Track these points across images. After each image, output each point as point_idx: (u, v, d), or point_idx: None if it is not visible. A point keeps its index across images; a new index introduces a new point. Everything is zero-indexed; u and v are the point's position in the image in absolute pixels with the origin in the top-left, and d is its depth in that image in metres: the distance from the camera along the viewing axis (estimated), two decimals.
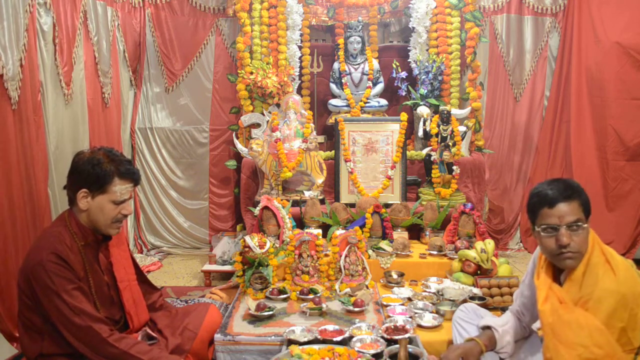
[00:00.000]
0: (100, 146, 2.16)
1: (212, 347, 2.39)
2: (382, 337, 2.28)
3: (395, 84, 4.66)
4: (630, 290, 1.68)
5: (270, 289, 2.87)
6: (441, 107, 4.22)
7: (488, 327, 2.09)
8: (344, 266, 3.07)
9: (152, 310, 2.40)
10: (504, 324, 2.09)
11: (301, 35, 4.75)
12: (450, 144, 4.01)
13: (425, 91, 4.53)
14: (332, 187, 4.20)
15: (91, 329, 1.92)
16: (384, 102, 4.71)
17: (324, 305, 2.66)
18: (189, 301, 2.80)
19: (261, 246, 2.96)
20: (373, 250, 3.39)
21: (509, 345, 2.07)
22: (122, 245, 2.27)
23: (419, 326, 2.53)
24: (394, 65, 4.68)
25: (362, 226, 3.48)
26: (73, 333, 1.93)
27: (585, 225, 1.78)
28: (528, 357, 2.06)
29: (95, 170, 2.01)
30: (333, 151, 4.23)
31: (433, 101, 4.52)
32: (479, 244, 3.14)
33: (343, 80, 4.72)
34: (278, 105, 4.41)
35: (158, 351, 2.05)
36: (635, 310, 1.67)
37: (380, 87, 4.78)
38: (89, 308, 1.96)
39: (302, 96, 4.76)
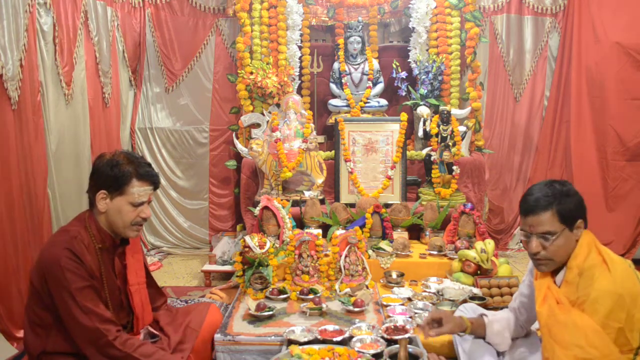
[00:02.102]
0: (122, 149, 2.15)
1: (213, 347, 2.39)
2: (382, 337, 2.28)
3: (395, 84, 4.66)
4: (627, 291, 1.67)
5: (270, 289, 2.87)
6: (441, 107, 4.22)
7: (481, 315, 2.16)
8: (344, 266, 3.07)
9: (153, 310, 2.40)
10: (496, 314, 2.14)
11: (301, 35, 4.75)
12: (450, 144, 4.01)
13: (425, 91, 4.53)
14: (332, 187, 4.20)
15: (97, 330, 1.92)
16: (384, 102, 4.71)
17: (324, 305, 2.66)
18: (189, 301, 2.80)
19: (261, 246, 2.96)
20: (373, 250, 3.39)
21: (499, 335, 2.09)
22: (137, 249, 2.28)
23: (419, 326, 2.53)
24: (394, 65, 4.69)
25: (362, 226, 3.48)
26: (78, 332, 1.93)
27: (555, 236, 1.79)
28: (528, 356, 2.06)
29: (114, 171, 2.02)
30: (333, 151, 4.23)
31: (433, 101, 4.52)
32: (479, 244, 3.15)
33: (343, 80, 4.72)
34: (278, 105, 4.41)
35: (162, 353, 2.05)
36: (633, 311, 1.66)
37: (380, 87, 4.78)
38: (98, 308, 1.96)
39: (302, 96, 4.76)
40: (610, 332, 1.66)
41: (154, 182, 2.12)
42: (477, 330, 2.12)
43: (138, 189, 2.05)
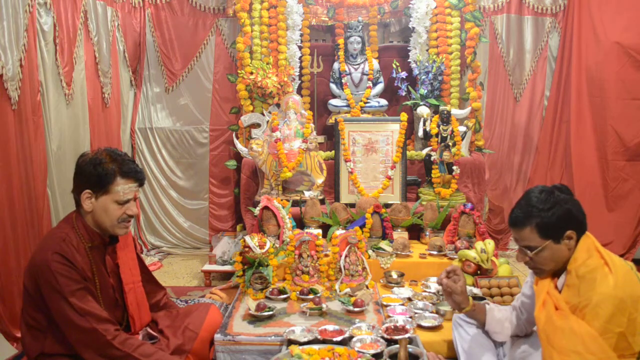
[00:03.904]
0: (105, 147, 2.14)
1: (213, 347, 2.39)
2: (382, 337, 2.29)
3: (395, 84, 4.66)
4: (628, 294, 1.66)
5: (270, 289, 2.88)
6: (441, 107, 4.22)
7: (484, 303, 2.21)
8: (344, 266, 3.07)
9: (155, 309, 2.40)
10: (498, 306, 2.17)
11: (301, 35, 4.75)
12: (450, 144, 4.01)
13: (425, 91, 4.53)
14: (332, 187, 4.20)
15: (96, 332, 1.91)
16: (384, 102, 4.71)
17: (324, 305, 2.67)
18: (189, 301, 2.80)
19: (261, 246, 2.96)
20: (373, 250, 3.39)
21: (499, 323, 2.11)
22: (128, 247, 2.27)
23: (419, 326, 2.53)
24: (394, 65, 4.68)
25: (362, 226, 3.48)
26: (76, 336, 1.93)
27: (537, 250, 1.81)
28: (528, 356, 2.05)
29: (97, 170, 2.01)
30: (333, 151, 4.23)
31: (433, 101, 4.52)
32: (479, 244, 3.15)
33: (343, 80, 4.72)
34: (278, 105, 4.41)
35: (162, 353, 2.05)
36: (634, 315, 1.65)
37: (380, 87, 4.78)
38: (94, 308, 1.95)
39: (302, 96, 4.76)
40: (610, 337, 1.65)
41: (139, 179, 2.11)
42: (478, 315, 2.13)
43: (123, 187, 2.04)
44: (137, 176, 2.10)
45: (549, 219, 1.79)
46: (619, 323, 1.65)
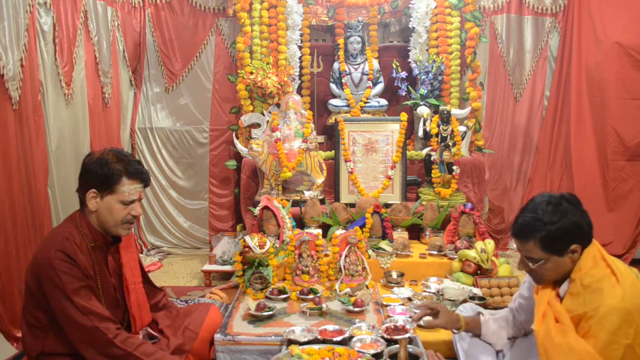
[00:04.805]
0: (111, 147, 2.15)
1: (213, 347, 2.39)
2: (382, 337, 2.28)
3: (395, 84, 4.66)
4: (636, 306, 1.62)
5: (270, 289, 2.88)
6: (441, 107, 4.22)
7: (478, 313, 2.18)
8: (344, 266, 3.07)
9: (155, 309, 2.40)
10: (494, 314, 2.14)
11: (301, 35, 4.75)
12: (450, 144, 4.01)
13: (425, 91, 4.53)
14: (332, 187, 4.20)
15: (97, 330, 1.92)
16: (384, 102, 4.71)
17: (324, 305, 2.67)
18: (189, 301, 2.80)
19: (261, 246, 2.96)
20: (373, 250, 3.39)
21: (495, 334, 2.10)
22: (130, 248, 2.27)
23: (419, 326, 2.53)
24: (394, 65, 4.69)
25: (362, 226, 3.48)
26: (77, 334, 1.93)
27: (540, 262, 1.77)
28: (527, 357, 2.05)
29: (104, 170, 2.02)
30: (333, 151, 4.23)
31: (433, 101, 4.52)
32: (479, 244, 3.15)
33: (343, 80, 4.72)
34: (278, 105, 4.41)
35: (162, 353, 2.05)
36: None
37: (380, 87, 4.78)
38: (96, 307, 1.96)
39: (302, 96, 4.76)
40: (617, 348, 1.61)
41: (144, 180, 2.13)
42: (473, 329, 2.12)
43: (128, 187, 2.06)
44: (143, 177, 2.12)
45: (554, 233, 1.72)
46: (625, 335, 1.61)
